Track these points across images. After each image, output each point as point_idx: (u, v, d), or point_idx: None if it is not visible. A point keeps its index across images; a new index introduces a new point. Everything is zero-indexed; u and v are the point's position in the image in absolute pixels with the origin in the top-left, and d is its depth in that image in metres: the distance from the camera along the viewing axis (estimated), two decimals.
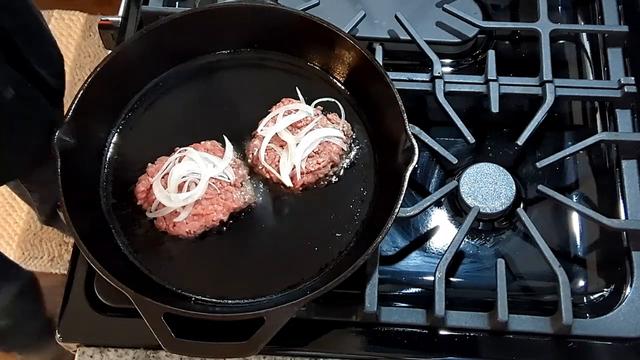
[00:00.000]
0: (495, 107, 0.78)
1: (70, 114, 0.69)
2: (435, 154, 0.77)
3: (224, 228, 0.71)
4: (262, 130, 0.74)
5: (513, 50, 0.89)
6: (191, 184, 0.70)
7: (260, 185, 0.73)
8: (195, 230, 0.69)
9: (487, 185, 0.75)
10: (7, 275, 1.15)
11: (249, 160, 0.74)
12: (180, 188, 0.69)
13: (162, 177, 0.70)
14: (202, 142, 0.73)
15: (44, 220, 1.64)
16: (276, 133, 0.72)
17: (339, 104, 0.76)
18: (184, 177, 0.69)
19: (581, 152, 0.78)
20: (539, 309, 0.70)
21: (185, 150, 0.71)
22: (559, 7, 0.92)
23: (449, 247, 0.70)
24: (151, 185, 0.70)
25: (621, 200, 0.76)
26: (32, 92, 0.83)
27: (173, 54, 0.79)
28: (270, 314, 0.61)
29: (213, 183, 0.70)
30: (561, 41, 0.89)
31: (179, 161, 0.71)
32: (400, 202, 0.64)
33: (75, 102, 0.70)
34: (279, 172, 0.72)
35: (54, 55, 1.00)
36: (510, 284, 0.69)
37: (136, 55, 0.75)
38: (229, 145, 0.73)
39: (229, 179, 0.70)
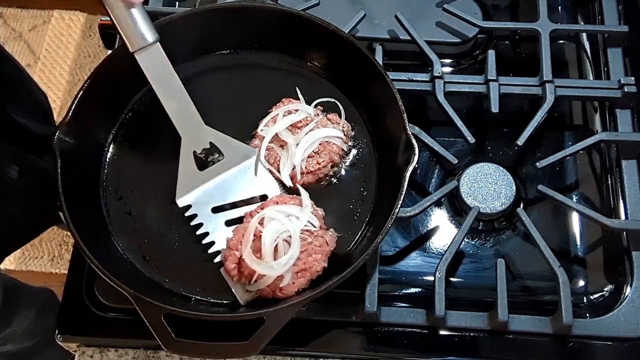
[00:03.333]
0: (495, 107, 0.78)
1: (70, 114, 0.69)
2: (435, 154, 0.77)
3: None
4: (262, 130, 0.74)
5: (513, 50, 0.89)
6: (282, 243, 0.66)
7: None
8: (303, 286, 0.65)
9: (487, 185, 0.75)
10: (21, 301, 1.14)
11: None
12: (275, 252, 0.65)
13: (250, 247, 0.65)
14: (268, 199, 0.70)
15: None
16: (276, 133, 0.72)
17: (339, 104, 0.76)
18: (275, 240, 0.65)
19: (581, 152, 0.78)
20: (539, 309, 0.70)
21: (263, 212, 0.67)
22: (559, 7, 0.92)
23: (449, 247, 0.70)
24: (239, 259, 0.65)
25: (621, 200, 0.76)
26: (31, 160, 0.82)
27: (173, 54, 0.79)
28: (270, 314, 0.61)
29: (301, 234, 0.66)
30: (561, 41, 0.89)
31: (261, 224, 0.66)
32: (400, 202, 0.64)
33: (75, 102, 0.70)
34: (279, 172, 0.72)
35: (41, 100, 0.98)
36: (510, 284, 0.69)
37: None
38: (304, 193, 0.69)
39: (314, 226, 0.67)
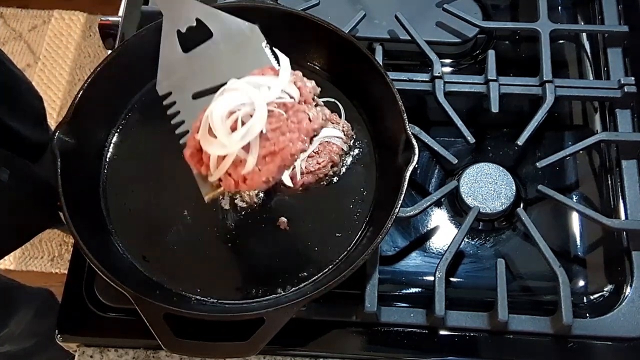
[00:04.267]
0: (495, 107, 0.78)
1: (70, 113, 0.69)
2: (435, 154, 0.77)
3: (228, 222, 0.71)
4: None
5: (513, 50, 0.89)
6: (246, 118, 0.53)
7: None
8: (274, 174, 0.54)
9: (487, 185, 0.75)
10: (18, 302, 1.15)
11: None
12: (233, 129, 0.53)
13: (210, 129, 0.54)
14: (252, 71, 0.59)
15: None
16: None
17: (339, 104, 0.76)
18: (232, 113, 0.53)
19: (581, 152, 0.78)
20: (539, 309, 0.70)
21: (228, 84, 0.56)
22: (559, 7, 0.92)
23: (449, 247, 0.70)
24: (198, 142, 0.55)
25: (621, 200, 0.76)
26: (23, 164, 0.82)
27: None
28: (270, 314, 0.61)
29: (276, 108, 0.54)
30: (561, 41, 0.89)
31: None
32: (400, 202, 0.64)
33: (75, 102, 0.70)
34: None
35: (36, 104, 0.98)
36: (510, 284, 0.69)
37: (136, 55, 0.75)
38: (283, 58, 0.58)
39: (292, 97, 0.55)
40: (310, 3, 0.85)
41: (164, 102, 0.65)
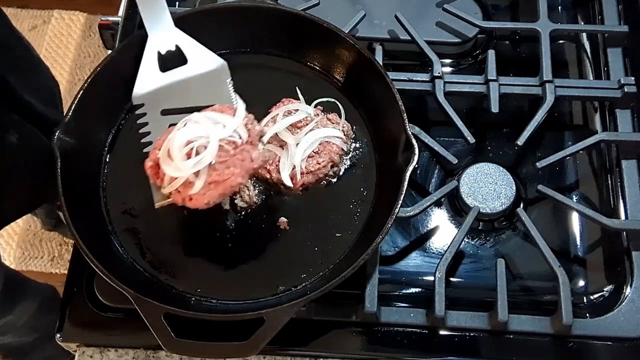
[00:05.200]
0: (495, 107, 0.78)
1: (70, 114, 0.69)
2: (435, 154, 0.77)
3: (228, 222, 0.71)
4: None
5: (513, 50, 0.89)
6: (200, 148, 0.63)
7: (260, 186, 0.73)
8: (214, 199, 0.63)
9: (487, 185, 0.75)
10: (24, 292, 1.15)
11: None
12: (188, 156, 0.63)
13: (169, 149, 0.64)
14: (212, 106, 0.69)
15: (48, 229, 1.65)
16: (276, 133, 0.72)
17: (339, 104, 0.76)
18: (190, 142, 0.63)
19: (581, 152, 0.78)
20: (539, 309, 0.70)
21: (191, 116, 0.66)
22: (559, 7, 0.92)
23: (449, 247, 0.70)
24: (158, 158, 0.64)
25: (621, 200, 0.76)
26: (33, 132, 0.82)
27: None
28: (270, 314, 0.61)
29: (226, 144, 0.64)
30: (561, 41, 0.89)
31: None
32: (400, 202, 0.64)
33: (75, 102, 0.70)
34: (279, 172, 0.72)
35: (51, 85, 1.00)
36: (510, 284, 0.69)
37: (136, 55, 0.75)
38: (241, 103, 0.69)
39: (240, 137, 0.64)
40: (310, 3, 0.85)
41: (136, 112, 0.73)
